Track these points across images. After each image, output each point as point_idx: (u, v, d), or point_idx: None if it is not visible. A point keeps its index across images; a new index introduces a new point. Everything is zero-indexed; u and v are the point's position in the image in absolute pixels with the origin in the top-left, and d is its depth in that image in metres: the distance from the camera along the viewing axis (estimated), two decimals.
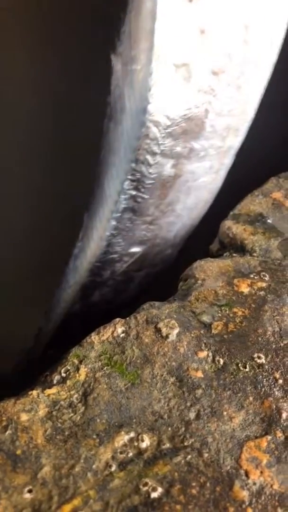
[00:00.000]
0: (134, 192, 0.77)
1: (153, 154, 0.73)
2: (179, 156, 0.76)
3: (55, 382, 0.68)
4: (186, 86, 0.68)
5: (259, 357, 0.71)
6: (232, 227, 0.94)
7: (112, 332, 0.74)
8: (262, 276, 0.83)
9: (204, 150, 0.78)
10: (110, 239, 0.83)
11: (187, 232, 0.96)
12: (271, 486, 0.58)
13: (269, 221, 0.95)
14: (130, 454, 0.60)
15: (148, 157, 0.73)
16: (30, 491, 0.56)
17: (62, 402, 0.65)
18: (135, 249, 0.89)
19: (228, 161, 0.84)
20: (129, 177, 0.74)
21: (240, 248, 0.92)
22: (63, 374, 0.68)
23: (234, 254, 0.91)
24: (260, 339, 0.74)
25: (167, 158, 0.75)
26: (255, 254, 0.89)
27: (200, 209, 0.92)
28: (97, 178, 0.75)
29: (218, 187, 0.89)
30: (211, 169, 0.82)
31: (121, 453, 0.60)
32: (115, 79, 0.65)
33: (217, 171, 0.84)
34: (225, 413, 0.64)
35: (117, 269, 0.92)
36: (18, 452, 0.59)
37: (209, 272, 0.84)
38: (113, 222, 0.80)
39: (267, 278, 0.83)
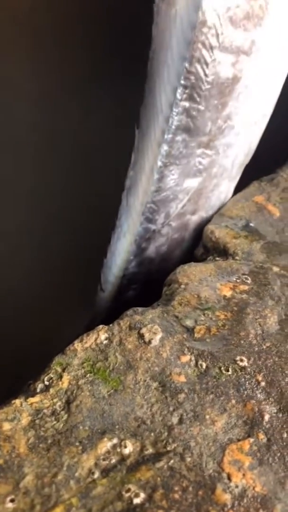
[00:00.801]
0: (188, 104, 0.68)
1: (211, 48, 0.63)
2: (239, 51, 0.66)
3: (38, 390, 0.68)
4: None
5: (241, 360, 0.71)
6: (215, 231, 0.95)
7: (95, 339, 0.74)
8: (244, 280, 0.84)
9: (267, 44, 0.68)
10: (162, 171, 0.75)
11: (244, 160, 0.87)
12: (253, 488, 0.58)
13: (251, 224, 0.95)
14: (113, 461, 0.60)
15: (205, 53, 0.63)
16: (12, 500, 0.56)
17: (45, 411, 0.65)
18: (190, 183, 0.81)
19: None
20: (182, 82, 0.65)
21: (223, 252, 0.92)
22: (46, 382, 0.68)
23: (217, 258, 0.92)
24: (242, 342, 0.74)
25: (226, 54, 0.65)
26: (237, 258, 0.89)
27: (258, 126, 0.83)
28: (148, 88, 0.66)
29: (275, 99, 0.80)
30: (272, 70, 0.73)
31: (104, 459, 0.60)
32: None
33: (278, 73, 0.74)
34: (207, 416, 0.65)
35: (172, 211, 0.85)
36: (1, 461, 0.59)
37: (192, 276, 0.85)
38: (165, 147, 0.72)
39: (249, 281, 0.84)
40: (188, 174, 0.79)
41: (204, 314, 0.78)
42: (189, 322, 0.77)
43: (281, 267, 0.86)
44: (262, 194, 1.02)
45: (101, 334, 0.74)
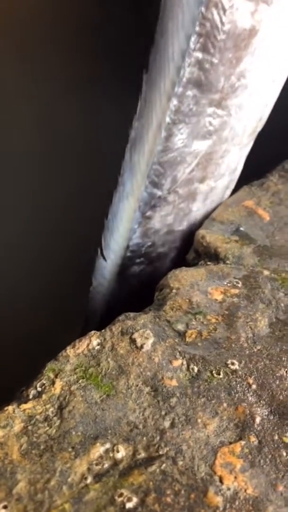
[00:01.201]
0: (201, 55, 0.64)
1: None
2: None
3: (31, 396, 0.68)
4: None
5: (232, 363, 0.72)
6: (205, 236, 0.96)
7: (88, 345, 0.74)
8: (235, 283, 0.85)
9: None
10: (170, 128, 0.71)
11: (256, 127, 0.83)
12: (245, 490, 0.59)
13: (241, 229, 0.96)
14: (106, 466, 0.61)
15: None
16: (5, 507, 0.56)
17: (37, 417, 0.65)
18: (199, 145, 0.77)
19: None
20: (197, 28, 0.61)
21: (214, 257, 0.93)
22: (39, 389, 0.69)
23: (208, 263, 0.93)
24: (233, 345, 0.75)
25: (246, 0, 0.62)
26: (228, 262, 0.90)
27: (273, 89, 0.79)
28: (160, 31, 0.63)
29: None
30: None
31: (96, 464, 0.61)
32: None
33: None
34: (199, 420, 0.65)
35: (179, 175, 0.81)
36: None
37: (183, 281, 0.85)
38: (175, 102, 0.68)
39: (240, 285, 0.84)
40: (197, 135, 0.75)
41: (195, 318, 0.78)
42: (180, 327, 0.77)
43: (271, 271, 0.87)
44: (252, 199, 1.03)
45: (93, 340, 0.75)
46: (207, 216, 0.99)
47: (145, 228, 0.91)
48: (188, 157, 0.79)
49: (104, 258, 0.97)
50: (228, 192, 1.01)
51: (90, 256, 1.00)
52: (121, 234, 0.92)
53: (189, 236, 0.96)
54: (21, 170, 1.42)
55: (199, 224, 0.98)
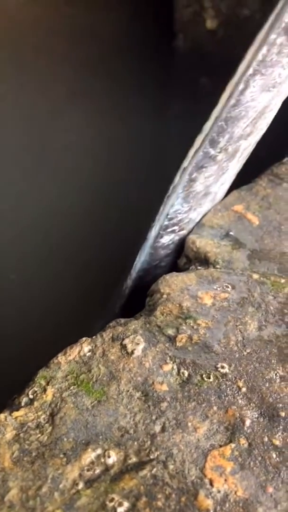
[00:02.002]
0: None
1: None
2: None
3: (22, 404, 0.69)
4: None
5: (222, 367, 0.73)
6: (196, 241, 0.97)
7: (79, 352, 0.75)
8: (225, 288, 0.86)
9: None
10: (248, 80, 0.72)
11: None
12: (235, 493, 0.59)
13: (231, 233, 0.97)
14: (97, 471, 0.61)
15: None
16: None
17: (29, 424, 0.66)
18: (263, 98, 0.79)
19: None
20: None
21: (205, 261, 0.94)
22: (31, 396, 0.69)
23: (199, 267, 0.94)
24: (223, 349, 0.76)
25: None
26: (218, 266, 0.91)
27: None
28: None
29: None
30: None
31: (88, 470, 0.61)
32: None
33: None
34: (189, 424, 0.66)
35: (236, 131, 0.82)
36: None
37: (174, 286, 0.86)
38: (264, 50, 0.70)
39: (229, 289, 0.85)
40: (265, 87, 0.78)
41: (185, 323, 0.79)
42: (171, 331, 0.78)
43: (260, 274, 0.88)
44: (242, 203, 1.04)
45: (84, 346, 0.75)
46: (237, 174, 0.99)
47: (187, 192, 0.92)
48: (251, 111, 0.81)
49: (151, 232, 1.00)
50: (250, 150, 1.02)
51: None
52: (169, 203, 0.95)
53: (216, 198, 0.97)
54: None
55: (227, 185, 0.99)
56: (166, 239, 0.99)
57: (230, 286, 0.86)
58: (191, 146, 0.91)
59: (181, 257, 1.00)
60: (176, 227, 0.99)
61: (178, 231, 0.99)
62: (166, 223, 0.97)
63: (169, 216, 0.98)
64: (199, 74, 2.96)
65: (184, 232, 0.99)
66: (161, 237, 0.99)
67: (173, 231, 0.99)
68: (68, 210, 1.59)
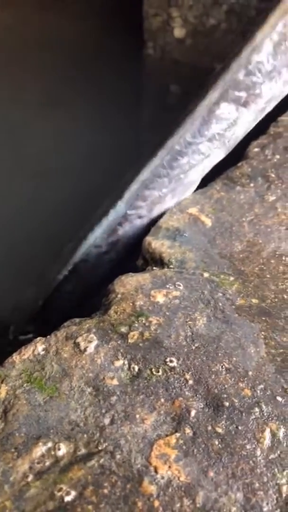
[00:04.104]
0: None
1: None
2: None
3: None
4: None
5: (171, 361, 0.76)
6: (151, 242, 1.00)
7: (33, 351, 0.77)
8: (176, 286, 0.89)
9: None
10: None
11: None
12: (178, 478, 0.62)
13: (185, 234, 1.01)
14: (47, 463, 0.64)
15: None
16: None
17: None
18: None
19: None
20: None
21: (160, 262, 0.98)
22: None
23: (154, 268, 0.97)
24: (173, 344, 0.79)
25: None
26: (171, 266, 0.95)
27: None
28: None
29: None
30: None
31: (38, 463, 0.64)
32: None
33: None
34: (137, 416, 0.69)
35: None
36: None
37: (128, 286, 0.89)
38: None
39: (181, 287, 0.89)
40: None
41: (138, 321, 0.82)
42: (123, 329, 0.81)
43: (210, 273, 0.92)
44: (196, 206, 1.08)
45: (38, 346, 0.78)
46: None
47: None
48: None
49: None
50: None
51: None
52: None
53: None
54: None
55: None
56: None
57: (182, 285, 0.90)
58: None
59: (139, 259, 1.04)
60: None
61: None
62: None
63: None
64: (169, 82, 3.02)
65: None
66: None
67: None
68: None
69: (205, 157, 1.09)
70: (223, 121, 1.06)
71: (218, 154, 1.12)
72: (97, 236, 1.09)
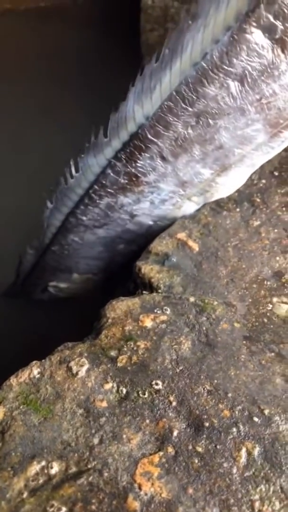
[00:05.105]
0: None
1: None
2: None
3: None
4: None
5: (156, 384, 0.82)
6: (141, 267, 1.06)
7: (29, 374, 0.83)
8: (164, 310, 0.95)
9: None
10: None
11: None
12: (160, 495, 0.68)
13: (173, 259, 1.07)
14: (41, 481, 0.70)
15: None
16: None
17: None
18: None
19: None
20: None
21: (149, 286, 1.04)
22: None
23: (144, 292, 1.03)
24: (159, 367, 0.85)
25: None
26: (160, 291, 1.01)
27: None
28: None
29: None
30: None
31: (32, 480, 0.70)
32: None
33: None
34: (124, 436, 0.75)
35: None
36: None
37: (118, 310, 0.96)
38: None
39: (168, 312, 0.95)
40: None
41: (126, 345, 0.88)
42: (113, 353, 0.87)
43: (196, 297, 0.98)
44: (185, 231, 1.15)
45: (34, 369, 0.84)
46: None
47: None
48: None
49: None
50: None
51: None
52: None
53: None
54: None
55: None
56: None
57: (169, 309, 0.96)
58: None
59: (129, 283, 1.10)
60: None
61: None
62: None
63: None
64: None
65: None
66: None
67: None
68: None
69: None
70: None
71: None
72: None
